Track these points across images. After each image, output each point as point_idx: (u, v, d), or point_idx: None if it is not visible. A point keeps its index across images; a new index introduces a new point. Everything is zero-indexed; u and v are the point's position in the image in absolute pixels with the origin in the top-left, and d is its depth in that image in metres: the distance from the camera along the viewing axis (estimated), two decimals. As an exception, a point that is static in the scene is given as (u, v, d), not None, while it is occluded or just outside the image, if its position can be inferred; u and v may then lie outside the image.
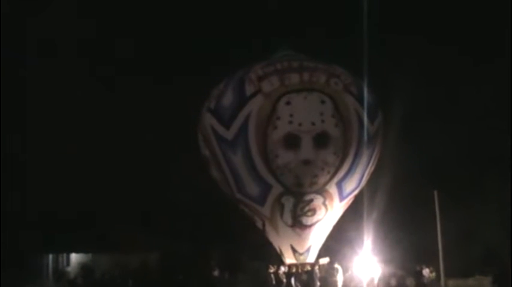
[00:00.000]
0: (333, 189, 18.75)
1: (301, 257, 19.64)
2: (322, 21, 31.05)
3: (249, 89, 18.15)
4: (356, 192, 20.00)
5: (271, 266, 21.04)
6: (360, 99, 18.63)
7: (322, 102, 17.81)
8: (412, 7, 30.05)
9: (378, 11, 25.17)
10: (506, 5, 26.88)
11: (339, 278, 21.60)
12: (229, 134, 18.23)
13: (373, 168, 20.12)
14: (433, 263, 24.70)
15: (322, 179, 18.21)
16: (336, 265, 21.93)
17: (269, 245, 20.43)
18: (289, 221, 18.95)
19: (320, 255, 20.53)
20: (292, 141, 17.52)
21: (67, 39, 31.19)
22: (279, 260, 20.70)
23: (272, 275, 21.05)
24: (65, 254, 27.79)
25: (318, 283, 20.26)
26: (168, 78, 31.74)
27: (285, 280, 20.53)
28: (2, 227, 25.20)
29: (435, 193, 25.62)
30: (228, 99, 18.64)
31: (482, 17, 28.86)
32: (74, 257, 27.51)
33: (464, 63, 28.36)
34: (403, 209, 26.81)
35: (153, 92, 30.87)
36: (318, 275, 20.61)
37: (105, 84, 31.00)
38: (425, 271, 23.84)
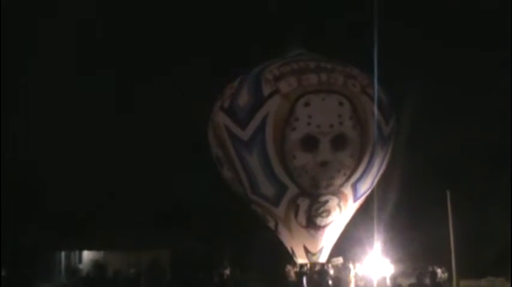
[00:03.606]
0: (348, 190, 18.75)
1: (314, 258, 19.63)
2: (334, 21, 30.92)
3: (266, 89, 18.00)
4: (368, 192, 19.96)
5: (288, 266, 21.02)
6: (376, 101, 18.59)
7: (340, 104, 17.76)
8: (426, 7, 29.85)
9: (391, 10, 25.03)
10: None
11: (351, 278, 21.54)
12: (244, 135, 18.09)
13: (385, 168, 20.08)
14: (445, 264, 24.65)
15: (338, 181, 18.21)
16: (350, 265, 21.89)
17: (280, 244, 20.41)
18: (304, 222, 18.92)
19: (332, 254, 20.53)
20: (310, 143, 17.46)
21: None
22: (290, 260, 20.69)
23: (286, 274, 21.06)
24: (77, 252, 27.89)
25: (330, 282, 20.17)
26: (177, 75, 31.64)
27: (295, 280, 20.55)
28: (14, 225, 25.25)
29: (448, 193, 25.49)
30: (243, 98, 18.46)
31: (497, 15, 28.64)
32: (86, 254, 27.61)
33: (477, 62, 28.19)
34: (416, 209, 26.70)
35: (164, 89, 30.80)
36: (331, 274, 20.57)
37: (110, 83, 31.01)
38: (438, 271, 23.75)
